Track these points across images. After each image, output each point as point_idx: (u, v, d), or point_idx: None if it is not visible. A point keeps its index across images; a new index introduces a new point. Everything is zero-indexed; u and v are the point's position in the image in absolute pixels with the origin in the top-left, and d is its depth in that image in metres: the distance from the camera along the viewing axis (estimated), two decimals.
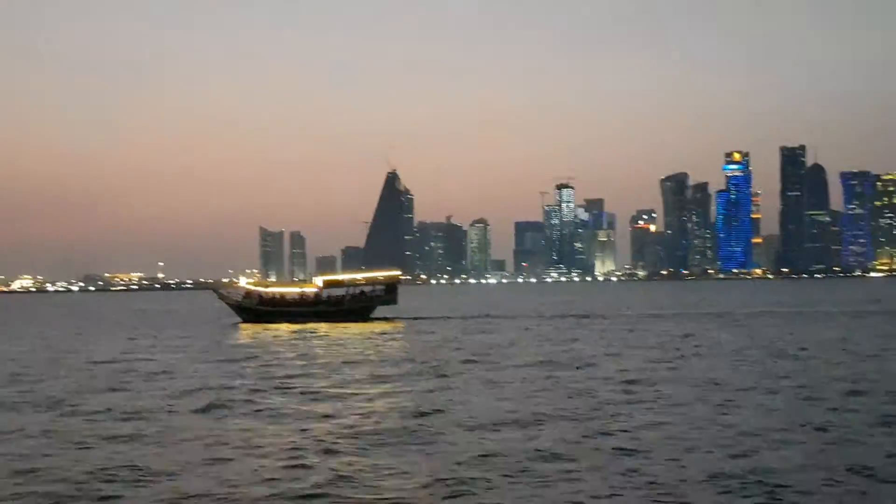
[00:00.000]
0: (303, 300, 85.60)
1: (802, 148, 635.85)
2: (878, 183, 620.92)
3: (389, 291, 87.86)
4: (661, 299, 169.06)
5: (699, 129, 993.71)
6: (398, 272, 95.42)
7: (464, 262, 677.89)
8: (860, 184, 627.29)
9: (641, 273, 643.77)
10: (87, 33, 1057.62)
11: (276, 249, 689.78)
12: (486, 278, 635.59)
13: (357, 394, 34.28)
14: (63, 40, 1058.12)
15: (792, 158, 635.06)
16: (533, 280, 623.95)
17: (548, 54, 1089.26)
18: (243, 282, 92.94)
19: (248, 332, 74.51)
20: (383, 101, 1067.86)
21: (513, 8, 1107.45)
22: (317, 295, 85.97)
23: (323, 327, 76.16)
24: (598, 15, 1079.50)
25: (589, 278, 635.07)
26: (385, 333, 70.27)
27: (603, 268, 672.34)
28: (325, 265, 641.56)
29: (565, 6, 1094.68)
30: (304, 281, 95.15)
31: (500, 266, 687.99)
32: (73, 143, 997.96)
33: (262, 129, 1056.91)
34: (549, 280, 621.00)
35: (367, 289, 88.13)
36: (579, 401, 30.72)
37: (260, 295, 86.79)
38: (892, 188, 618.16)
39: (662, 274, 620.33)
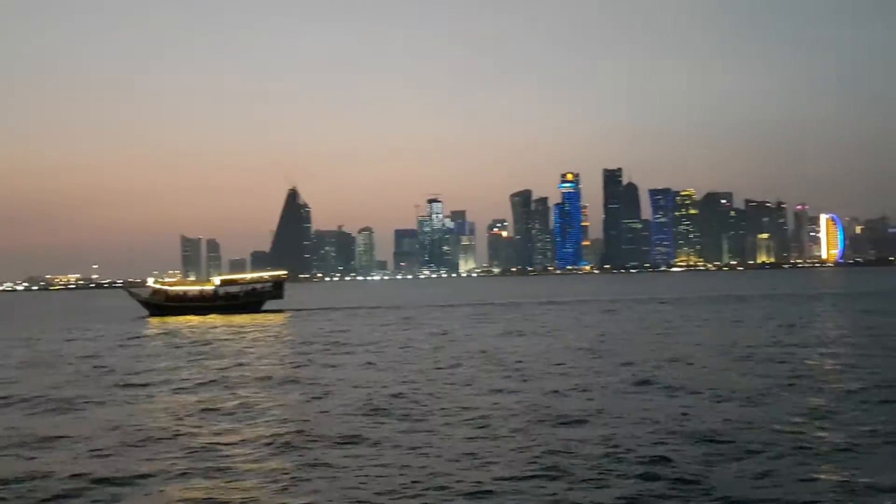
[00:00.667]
0: (202, 297, 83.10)
1: (620, 170, 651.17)
2: (678, 198, 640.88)
3: (277, 288, 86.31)
4: (512, 290, 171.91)
5: (541, 154, 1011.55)
6: (285, 272, 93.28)
7: (353, 263, 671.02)
8: (664, 198, 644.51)
9: (496, 270, 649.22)
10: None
11: (194, 254, 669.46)
12: (371, 276, 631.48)
13: (238, 371, 34.00)
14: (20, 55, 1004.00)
15: (612, 178, 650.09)
16: (409, 277, 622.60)
17: (425, 93, 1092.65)
18: (150, 281, 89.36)
19: (154, 324, 71.84)
20: (287, 127, 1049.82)
21: (395, 53, 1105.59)
22: (214, 292, 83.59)
23: (219, 319, 74.08)
24: (461, 62, 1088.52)
25: (455, 275, 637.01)
26: (272, 323, 68.83)
27: (466, 266, 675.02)
28: (236, 267, 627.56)
29: (435, 55, 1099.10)
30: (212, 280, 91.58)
31: (382, 266, 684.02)
32: (23, 160, 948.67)
33: (183, 151, 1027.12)
34: (422, 277, 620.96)
35: (258, 286, 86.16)
36: (427, 373, 31.12)
37: (165, 293, 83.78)
38: (688, 202, 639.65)
39: (512, 270, 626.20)
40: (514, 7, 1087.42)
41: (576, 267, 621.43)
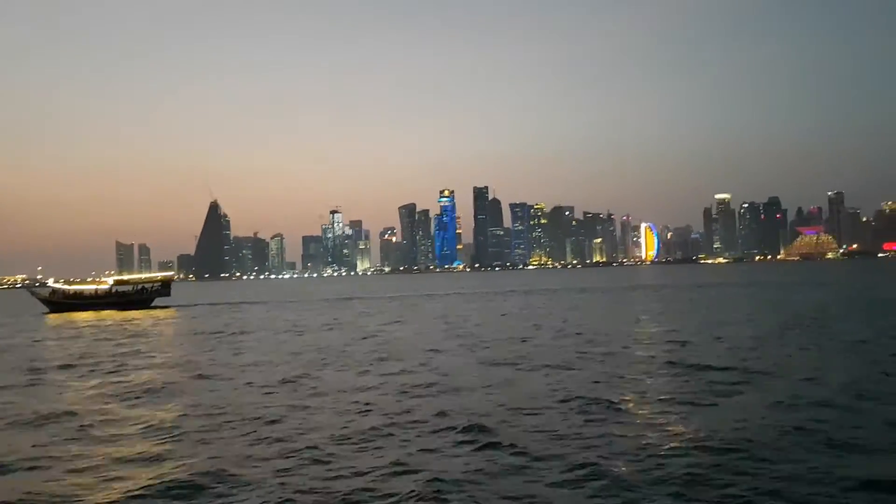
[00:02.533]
0: (97, 294, 78.97)
1: (486, 188, 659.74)
2: (532, 210, 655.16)
3: (165, 287, 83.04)
4: (399, 285, 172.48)
5: (423, 174, 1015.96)
6: (172, 273, 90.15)
7: (267, 264, 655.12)
8: (521, 210, 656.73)
9: (387, 269, 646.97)
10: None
11: (127, 257, 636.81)
12: (282, 275, 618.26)
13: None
14: None
15: (480, 194, 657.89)
16: (315, 275, 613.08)
17: (327, 119, 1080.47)
18: (51, 282, 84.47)
19: (52, 319, 68.02)
20: (211, 146, 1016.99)
21: (302, 86, 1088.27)
22: (108, 290, 79.59)
23: (111, 314, 70.70)
24: (360, 95, 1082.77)
25: (353, 273, 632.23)
26: (157, 318, 66.07)
27: (362, 266, 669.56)
28: (165, 268, 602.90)
29: (338, 88, 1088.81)
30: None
31: (292, 266, 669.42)
32: None
33: (117, 166, 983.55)
34: (325, 275, 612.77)
35: (148, 285, 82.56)
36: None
37: (63, 292, 79.31)
38: (540, 213, 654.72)
39: (401, 269, 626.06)
40: (413, 49, 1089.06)
41: (452, 266, 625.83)
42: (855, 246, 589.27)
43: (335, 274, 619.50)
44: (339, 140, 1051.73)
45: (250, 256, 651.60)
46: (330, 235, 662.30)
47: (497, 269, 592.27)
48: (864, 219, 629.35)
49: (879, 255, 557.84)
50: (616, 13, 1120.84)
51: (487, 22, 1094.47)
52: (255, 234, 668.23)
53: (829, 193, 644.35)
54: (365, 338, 37.76)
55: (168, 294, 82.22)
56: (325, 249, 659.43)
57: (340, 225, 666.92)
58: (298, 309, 73.54)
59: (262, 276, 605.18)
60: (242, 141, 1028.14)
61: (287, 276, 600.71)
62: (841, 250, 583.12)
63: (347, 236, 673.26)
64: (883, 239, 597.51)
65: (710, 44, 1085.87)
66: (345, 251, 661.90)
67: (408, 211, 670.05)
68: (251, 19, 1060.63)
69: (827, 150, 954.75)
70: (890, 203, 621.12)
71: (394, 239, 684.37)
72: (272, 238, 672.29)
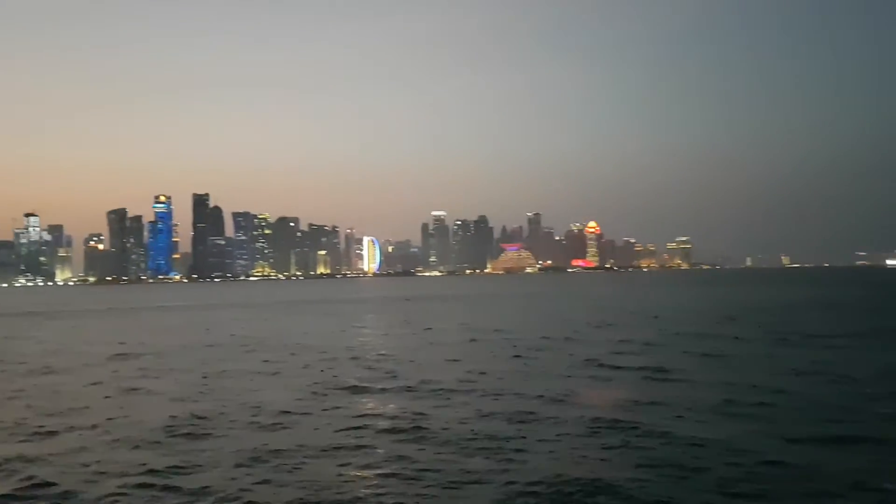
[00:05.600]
0: None
1: (207, 195, 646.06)
2: (255, 220, 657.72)
3: None
4: (105, 298, 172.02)
5: (136, 178, 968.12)
6: None
7: None
8: (244, 220, 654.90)
9: (93, 279, 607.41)
10: None
11: None
12: None
13: None
14: None
15: (200, 202, 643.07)
16: (5, 285, 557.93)
17: (27, 114, 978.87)
18: None
19: None
20: None
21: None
22: None
23: None
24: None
25: (51, 283, 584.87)
26: None
27: (63, 275, 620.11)
28: None
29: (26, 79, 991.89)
30: None
31: None
32: None
33: None
34: (17, 285, 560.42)
35: None
36: None
37: None
38: (264, 224, 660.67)
39: (108, 280, 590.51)
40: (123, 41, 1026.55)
41: (167, 276, 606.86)
42: (549, 262, 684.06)
43: (30, 284, 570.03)
44: (38, 136, 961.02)
45: None
46: (24, 241, 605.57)
47: (217, 280, 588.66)
48: (557, 238, 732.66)
49: (569, 269, 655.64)
50: (363, 22, 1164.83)
51: (215, 23, 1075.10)
52: None
53: (528, 214, 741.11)
54: None
55: None
56: (18, 257, 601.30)
57: (37, 230, 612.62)
58: None
59: None
60: None
61: None
62: (538, 265, 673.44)
63: (45, 242, 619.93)
64: (571, 256, 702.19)
65: (435, 68, 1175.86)
66: (42, 259, 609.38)
67: (117, 216, 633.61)
68: None
69: (527, 173, 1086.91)
70: (577, 224, 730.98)
71: (101, 246, 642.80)
72: None
